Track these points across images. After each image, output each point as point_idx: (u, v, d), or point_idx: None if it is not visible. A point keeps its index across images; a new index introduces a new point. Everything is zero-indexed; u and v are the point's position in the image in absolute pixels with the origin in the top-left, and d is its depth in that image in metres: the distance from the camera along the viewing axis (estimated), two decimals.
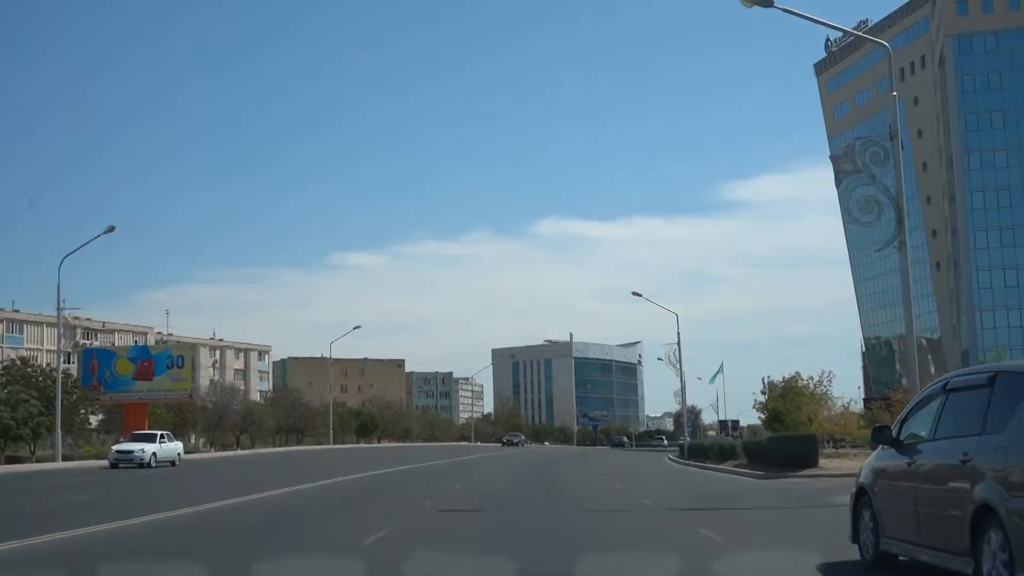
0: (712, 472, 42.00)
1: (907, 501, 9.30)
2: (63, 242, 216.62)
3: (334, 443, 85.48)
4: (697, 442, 72.08)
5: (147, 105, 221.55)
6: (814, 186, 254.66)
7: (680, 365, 62.86)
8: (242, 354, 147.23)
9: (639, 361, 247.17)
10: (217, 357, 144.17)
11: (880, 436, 10.27)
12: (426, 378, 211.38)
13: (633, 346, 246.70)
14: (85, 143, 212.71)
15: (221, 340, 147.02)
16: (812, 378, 55.10)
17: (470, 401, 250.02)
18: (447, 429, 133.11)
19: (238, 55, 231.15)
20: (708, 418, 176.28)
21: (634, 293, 65.30)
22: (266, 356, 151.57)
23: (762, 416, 57.69)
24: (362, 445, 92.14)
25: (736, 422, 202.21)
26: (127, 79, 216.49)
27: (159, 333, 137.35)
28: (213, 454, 59.41)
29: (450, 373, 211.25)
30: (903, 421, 10.16)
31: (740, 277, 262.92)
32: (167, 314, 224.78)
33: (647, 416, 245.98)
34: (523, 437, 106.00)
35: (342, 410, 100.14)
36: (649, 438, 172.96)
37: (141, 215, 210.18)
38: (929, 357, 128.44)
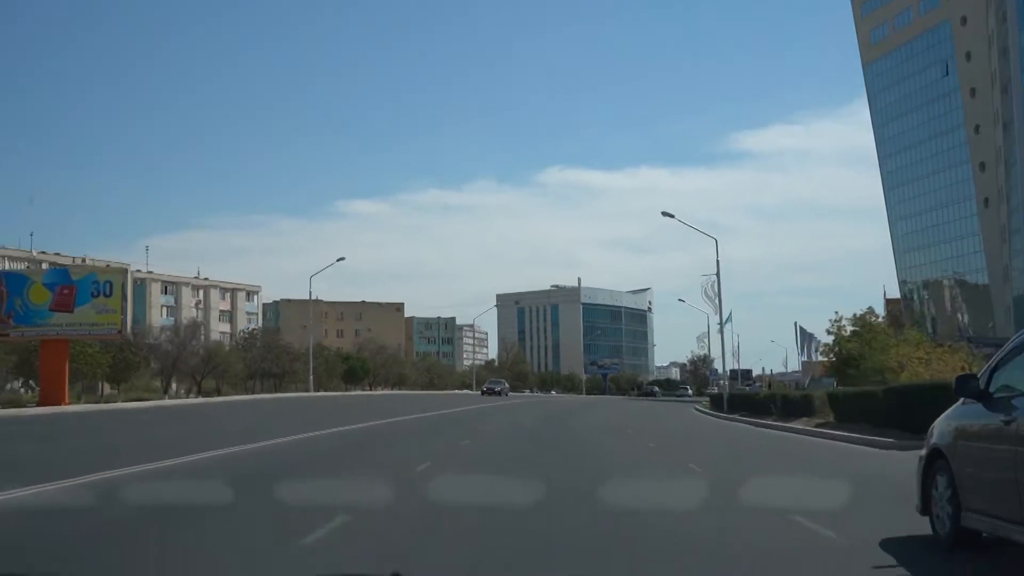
0: (793, 435, 30.40)
1: (1001, 468, 7.55)
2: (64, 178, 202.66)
3: (316, 390, 74.34)
4: (742, 391, 60.88)
5: (147, 49, 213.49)
6: (822, 137, 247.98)
7: (719, 298, 51.24)
8: (228, 294, 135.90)
9: (649, 308, 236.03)
10: (201, 297, 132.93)
11: (965, 388, 8.44)
12: (427, 323, 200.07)
13: (643, 292, 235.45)
14: (91, 82, 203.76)
15: (206, 279, 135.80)
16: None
17: (473, 348, 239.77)
18: (447, 376, 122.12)
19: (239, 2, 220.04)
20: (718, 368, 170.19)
21: (664, 214, 53.75)
22: (255, 297, 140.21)
23: (828, 360, 46.46)
24: (347, 393, 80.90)
25: (749, 371, 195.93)
26: (130, 20, 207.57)
27: (137, 271, 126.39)
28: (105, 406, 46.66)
29: (452, 318, 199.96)
30: (993, 370, 8.26)
31: (746, 228, 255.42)
32: (147, 251, 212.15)
33: (656, 366, 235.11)
34: (506, 384, 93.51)
35: (327, 354, 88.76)
36: (670, 388, 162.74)
37: (140, 160, 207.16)
38: (963, 303, 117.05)
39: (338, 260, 76.05)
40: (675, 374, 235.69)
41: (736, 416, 44.82)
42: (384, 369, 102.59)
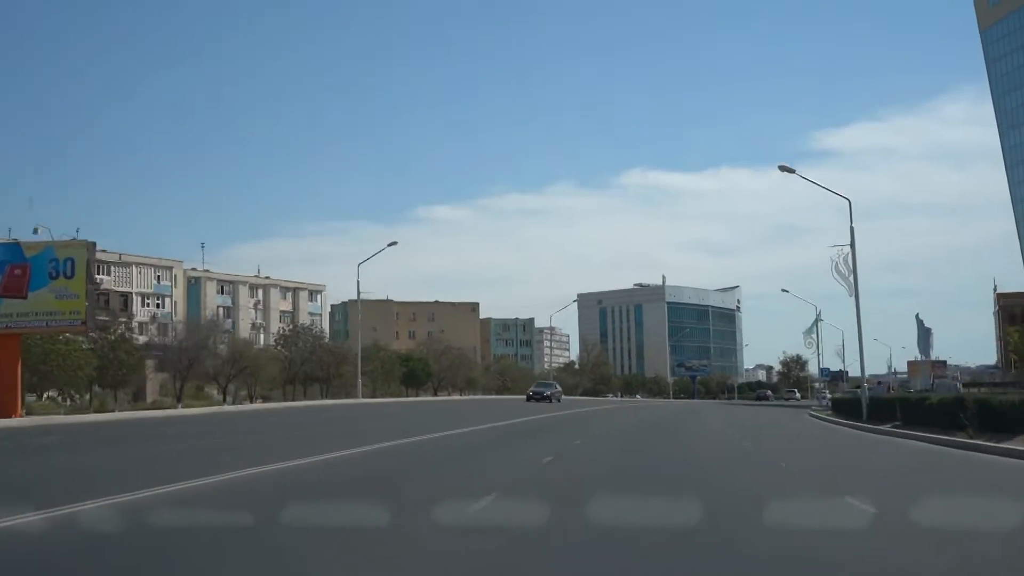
0: None
1: None
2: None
3: (371, 396, 63.86)
4: (878, 395, 48.82)
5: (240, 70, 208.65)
6: (905, 133, 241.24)
7: (855, 274, 39.27)
8: (290, 294, 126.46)
9: (738, 307, 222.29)
10: (260, 297, 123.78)
11: None
12: (505, 325, 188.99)
13: (731, 291, 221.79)
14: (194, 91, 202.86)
15: (267, 278, 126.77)
16: None
17: (552, 351, 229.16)
18: (522, 380, 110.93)
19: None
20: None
21: (782, 167, 41.88)
22: (319, 296, 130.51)
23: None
24: (398, 399, 70.00)
25: (845, 373, 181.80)
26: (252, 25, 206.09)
27: (193, 269, 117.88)
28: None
29: (531, 319, 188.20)
30: None
31: (832, 228, 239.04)
32: (202, 248, 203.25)
33: (744, 368, 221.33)
34: (558, 388, 78.21)
35: (384, 355, 78.07)
36: (762, 391, 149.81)
37: (228, 174, 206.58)
38: None
39: (389, 245, 65.22)
40: (762, 376, 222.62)
41: (891, 429, 32.89)
42: (451, 372, 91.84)
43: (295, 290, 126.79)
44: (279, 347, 69.14)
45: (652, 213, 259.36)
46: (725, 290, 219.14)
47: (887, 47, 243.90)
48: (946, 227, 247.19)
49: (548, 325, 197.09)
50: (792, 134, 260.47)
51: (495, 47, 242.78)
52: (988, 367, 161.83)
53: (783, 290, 79.25)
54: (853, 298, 41.01)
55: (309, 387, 67.96)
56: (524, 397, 69.43)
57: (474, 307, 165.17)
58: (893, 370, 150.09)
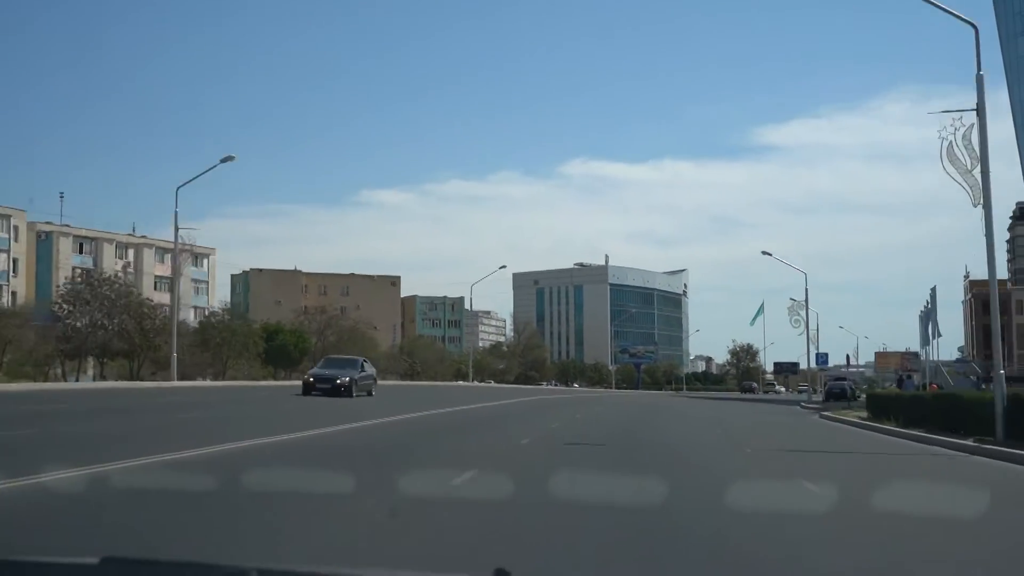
0: None
1: None
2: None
3: (181, 378, 43.75)
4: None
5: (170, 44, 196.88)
6: (846, 131, 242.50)
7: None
8: (168, 256, 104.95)
9: (684, 291, 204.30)
10: (131, 259, 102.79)
11: None
12: (431, 304, 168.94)
13: (678, 274, 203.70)
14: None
15: (143, 237, 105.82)
16: None
17: (480, 334, 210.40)
18: (437, 364, 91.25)
19: None
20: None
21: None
22: (205, 261, 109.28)
23: None
24: (229, 384, 49.38)
25: (795, 364, 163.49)
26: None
27: (47, 223, 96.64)
28: None
29: (460, 298, 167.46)
30: None
31: (772, 223, 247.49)
32: (61, 197, 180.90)
33: (691, 356, 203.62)
34: (368, 370, 45.33)
35: (238, 325, 57.60)
36: (715, 383, 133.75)
37: (166, 147, 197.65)
38: None
39: (223, 160, 44.84)
40: (701, 367, 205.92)
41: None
42: (338, 350, 71.56)
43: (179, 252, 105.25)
44: (59, 306, 48.74)
45: (596, 203, 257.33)
46: (672, 273, 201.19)
47: (831, 44, 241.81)
48: (887, 225, 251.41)
49: (480, 307, 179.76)
50: (735, 128, 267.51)
51: (441, 37, 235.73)
52: (959, 361, 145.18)
53: (764, 252, 63.03)
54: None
55: (111, 362, 47.66)
56: (459, 382, 49.51)
57: (394, 281, 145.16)
58: (849, 362, 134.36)
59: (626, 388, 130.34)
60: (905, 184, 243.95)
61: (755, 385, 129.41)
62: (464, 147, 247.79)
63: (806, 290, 62.24)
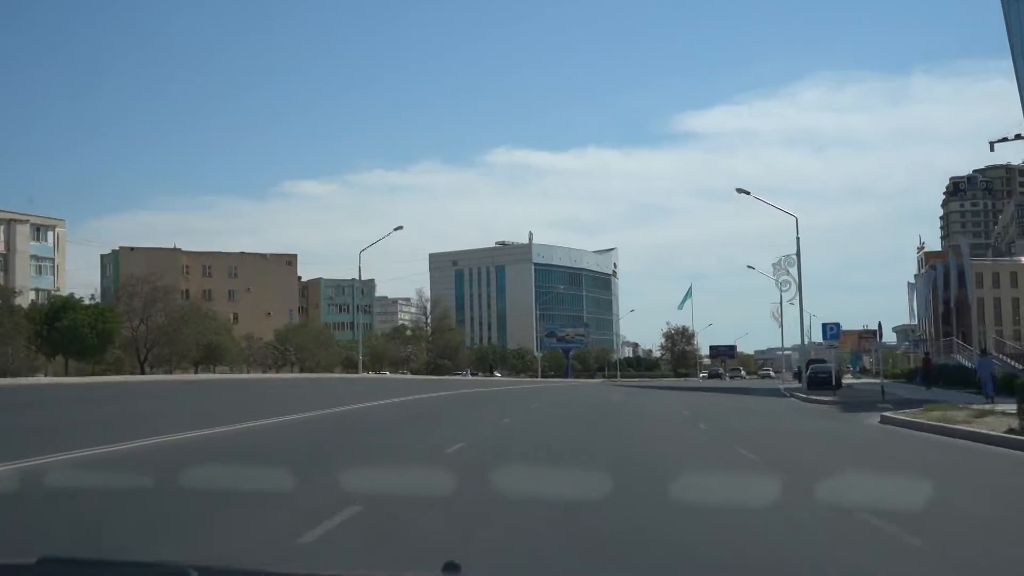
0: None
1: None
2: None
3: None
4: None
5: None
6: (767, 117, 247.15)
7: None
8: (3, 227, 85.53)
9: (614, 272, 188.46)
10: None
11: None
12: (338, 287, 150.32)
13: (607, 253, 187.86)
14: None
15: None
16: None
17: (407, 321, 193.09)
18: (320, 352, 73.41)
19: None
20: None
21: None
22: (50, 234, 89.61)
23: None
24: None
25: (732, 347, 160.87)
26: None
27: None
28: None
29: (371, 280, 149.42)
30: None
31: (693, 209, 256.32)
32: None
33: (624, 341, 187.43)
34: None
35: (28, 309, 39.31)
36: (649, 367, 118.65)
37: (84, 137, 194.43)
38: None
39: None
40: (628, 353, 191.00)
41: None
42: (167, 338, 53.40)
43: (10, 223, 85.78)
44: None
45: (520, 192, 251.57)
46: (601, 252, 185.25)
47: (750, 31, 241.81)
48: (803, 209, 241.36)
49: (398, 293, 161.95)
50: (657, 116, 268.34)
51: (361, 30, 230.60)
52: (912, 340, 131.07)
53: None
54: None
55: None
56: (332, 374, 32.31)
57: (290, 260, 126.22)
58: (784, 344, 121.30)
59: (554, 376, 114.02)
60: (821, 169, 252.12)
61: (720, 371, 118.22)
62: (387, 137, 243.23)
63: (797, 239, 45.98)
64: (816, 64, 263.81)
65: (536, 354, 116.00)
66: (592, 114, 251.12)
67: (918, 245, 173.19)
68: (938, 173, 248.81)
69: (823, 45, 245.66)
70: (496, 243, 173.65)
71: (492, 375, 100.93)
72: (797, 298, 46.90)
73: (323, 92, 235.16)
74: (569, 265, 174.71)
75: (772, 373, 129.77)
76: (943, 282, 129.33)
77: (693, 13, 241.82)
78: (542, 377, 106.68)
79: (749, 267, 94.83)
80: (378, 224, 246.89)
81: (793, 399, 40.55)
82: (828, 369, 54.01)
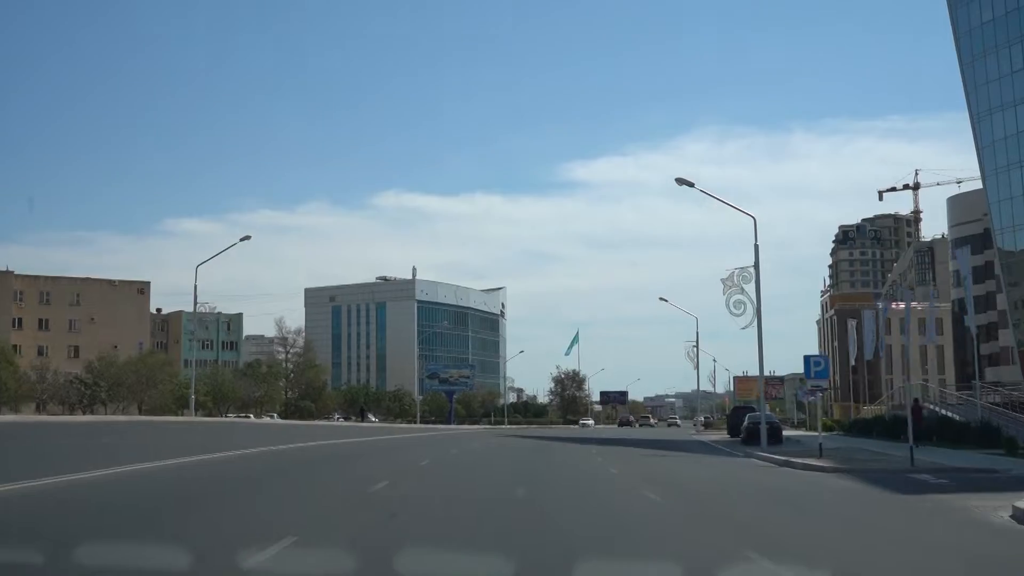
0: None
1: None
2: None
3: None
4: None
5: None
6: (652, 169, 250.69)
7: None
8: None
9: (502, 312, 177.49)
10: None
11: None
12: (202, 322, 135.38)
13: (495, 292, 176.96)
14: None
15: None
16: None
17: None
18: (144, 389, 59.89)
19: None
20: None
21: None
22: None
23: None
24: None
25: (624, 393, 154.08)
26: None
27: None
28: None
29: (239, 315, 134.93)
30: None
31: (578, 257, 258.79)
32: None
33: (511, 385, 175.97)
34: None
35: None
36: (537, 413, 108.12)
37: None
38: None
39: None
40: (513, 398, 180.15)
41: None
42: None
43: None
44: None
45: (407, 235, 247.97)
46: (488, 291, 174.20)
47: (637, 84, 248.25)
48: (687, 259, 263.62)
49: (268, 331, 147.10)
50: (544, 164, 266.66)
51: (253, 69, 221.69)
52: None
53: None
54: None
55: None
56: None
57: (142, 288, 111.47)
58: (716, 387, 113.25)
59: (435, 422, 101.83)
60: (703, 221, 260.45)
61: (631, 418, 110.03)
62: (273, 177, 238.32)
63: (756, 246, 35.14)
64: (701, 118, 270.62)
65: (417, 397, 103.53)
66: (481, 160, 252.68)
67: (822, 288, 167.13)
68: (817, 226, 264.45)
69: (708, 100, 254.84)
70: (377, 278, 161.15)
71: (365, 420, 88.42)
72: (756, 322, 35.29)
73: (208, 130, 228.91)
74: (455, 303, 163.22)
75: (679, 422, 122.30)
76: (854, 331, 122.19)
77: (581, 64, 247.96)
78: (422, 423, 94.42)
79: (662, 299, 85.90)
80: (262, 264, 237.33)
81: (754, 460, 29.50)
82: (772, 420, 43.66)
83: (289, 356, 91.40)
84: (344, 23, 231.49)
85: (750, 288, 35.45)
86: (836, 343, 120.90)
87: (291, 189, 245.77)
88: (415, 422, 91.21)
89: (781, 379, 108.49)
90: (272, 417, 73.07)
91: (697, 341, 64.95)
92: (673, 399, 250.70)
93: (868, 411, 68.54)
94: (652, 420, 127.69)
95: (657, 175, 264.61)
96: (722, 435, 62.69)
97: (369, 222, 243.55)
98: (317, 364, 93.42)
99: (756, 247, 35.91)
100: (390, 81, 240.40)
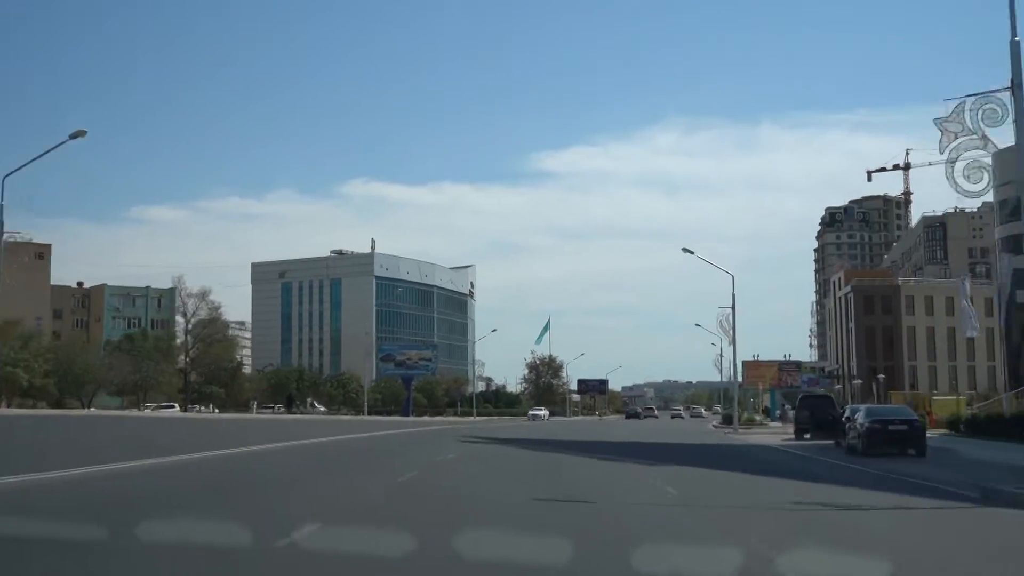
0: None
1: None
2: None
3: None
4: None
5: None
6: (621, 160, 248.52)
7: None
8: None
9: (471, 292, 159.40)
10: None
11: None
12: (128, 296, 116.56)
13: (464, 270, 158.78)
14: None
15: None
16: None
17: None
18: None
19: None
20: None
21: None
22: None
23: None
24: None
25: (604, 381, 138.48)
26: None
27: None
28: None
29: (172, 289, 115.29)
30: None
31: (547, 247, 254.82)
32: None
33: (480, 372, 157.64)
34: None
35: None
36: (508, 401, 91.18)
37: None
38: None
39: None
40: (482, 387, 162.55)
41: None
42: None
43: None
44: None
45: (374, 224, 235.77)
46: (456, 269, 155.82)
47: (607, 75, 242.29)
48: (656, 249, 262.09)
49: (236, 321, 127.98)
50: (513, 154, 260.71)
51: (223, 56, 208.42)
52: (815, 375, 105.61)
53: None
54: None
55: None
56: None
57: (41, 252, 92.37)
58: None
59: (391, 412, 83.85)
60: (672, 211, 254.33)
61: (640, 410, 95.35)
62: (242, 164, 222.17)
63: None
64: (671, 110, 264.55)
65: (365, 383, 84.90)
66: (449, 150, 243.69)
67: (838, 265, 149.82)
68: (785, 219, 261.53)
69: (678, 91, 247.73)
70: (332, 252, 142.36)
71: (299, 410, 70.31)
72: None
73: (179, 116, 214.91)
74: (419, 281, 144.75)
75: (703, 412, 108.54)
76: (863, 308, 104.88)
77: (550, 54, 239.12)
78: (373, 414, 76.44)
79: (685, 249, 67.73)
80: (230, 251, 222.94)
81: (997, 511, 11.54)
82: (910, 416, 26.13)
83: (190, 327, 72.55)
84: (312, 12, 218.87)
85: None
86: (853, 323, 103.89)
87: (260, 176, 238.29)
88: (362, 413, 73.14)
89: (797, 364, 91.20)
90: (150, 410, 55.36)
91: (733, 305, 47.32)
92: (645, 386, 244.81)
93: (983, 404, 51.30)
94: (703, 411, 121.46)
95: (627, 166, 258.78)
96: (774, 432, 46.04)
97: (336, 210, 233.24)
98: (229, 338, 74.60)
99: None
100: (359, 70, 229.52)
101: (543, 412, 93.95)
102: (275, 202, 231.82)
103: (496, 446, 30.95)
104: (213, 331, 72.78)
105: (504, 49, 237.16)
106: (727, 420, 59.47)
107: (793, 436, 37.32)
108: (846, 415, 28.76)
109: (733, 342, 48.53)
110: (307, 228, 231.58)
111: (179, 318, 77.06)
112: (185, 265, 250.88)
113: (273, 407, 69.91)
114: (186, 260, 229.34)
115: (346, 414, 74.94)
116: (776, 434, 44.99)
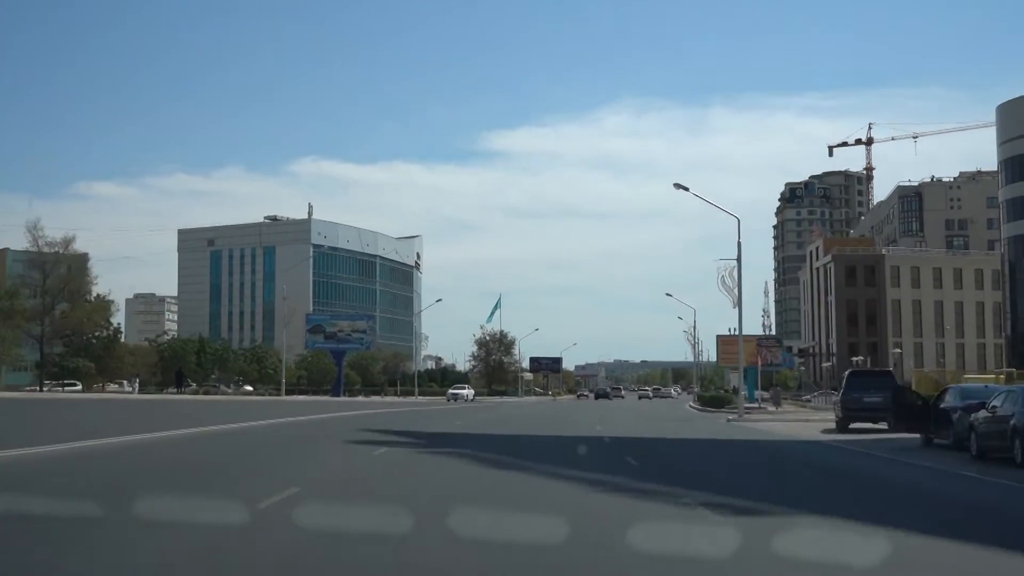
0: None
1: None
2: None
3: None
4: None
5: None
6: (572, 140, 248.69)
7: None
8: None
9: (417, 264, 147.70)
10: None
11: None
12: (34, 261, 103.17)
13: (410, 240, 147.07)
14: None
15: None
16: None
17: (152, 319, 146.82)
18: None
19: None
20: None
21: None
22: None
23: None
24: None
25: (558, 360, 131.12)
26: None
27: None
28: None
29: (83, 255, 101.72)
30: None
31: (497, 227, 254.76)
32: None
33: (425, 347, 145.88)
34: None
35: None
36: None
37: None
38: None
39: None
40: (430, 365, 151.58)
41: None
42: None
43: None
44: None
45: (323, 202, 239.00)
46: (402, 239, 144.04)
47: (558, 54, 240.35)
48: (606, 230, 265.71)
49: (145, 288, 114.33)
50: (465, 133, 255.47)
51: (174, 32, 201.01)
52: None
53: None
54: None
55: None
56: None
57: None
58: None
59: (321, 392, 72.40)
60: (623, 192, 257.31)
61: (608, 389, 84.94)
62: (189, 141, 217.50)
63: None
64: (621, 91, 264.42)
65: (291, 358, 73.22)
66: (399, 128, 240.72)
67: (813, 230, 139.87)
68: (734, 202, 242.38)
69: (628, 73, 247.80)
70: (266, 218, 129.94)
71: (238, 388, 58.66)
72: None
73: (125, 92, 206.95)
74: (360, 251, 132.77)
75: (674, 393, 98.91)
76: (843, 280, 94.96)
77: (501, 32, 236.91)
78: (296, 393, 64.89)
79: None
80: (173, 228, 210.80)
81: None
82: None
83: (47, 283, 60.52)
84: None
85: None
86: (833, 296, 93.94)
87: (207, 152, 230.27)
88: (280, 393, 61.68)
89: (778, 340, 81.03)
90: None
91: (739, 256, 37.06)
92: (597, 366, 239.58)
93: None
94: (623, 392, 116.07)
95: (576, 146, 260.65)
96: (782, 419, 35.68)
97: (284, 188, 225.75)
98: (97, 299, 62.48)
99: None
100: (309, 47, 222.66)
101: (466, 391, 79.33)
102: (222, 179, 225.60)
103: (405, 453, 18.79)
104: (77, 288, 60.85)
105: (456, 29, 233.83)
106: (715, 402, 49.05)
107: (835, 427, 26.67)
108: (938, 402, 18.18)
109: (739, 303, 39.49)
110: (255, 206, 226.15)
111: (35, 274, 64.82)
112: (124, 240, 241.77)
113: (163, 387, 58.32)
114: (128, 236, 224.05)
115: (264, 394, 63.74)
116: (788, 421, 34.55)
